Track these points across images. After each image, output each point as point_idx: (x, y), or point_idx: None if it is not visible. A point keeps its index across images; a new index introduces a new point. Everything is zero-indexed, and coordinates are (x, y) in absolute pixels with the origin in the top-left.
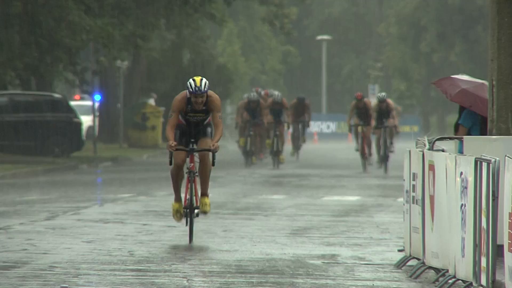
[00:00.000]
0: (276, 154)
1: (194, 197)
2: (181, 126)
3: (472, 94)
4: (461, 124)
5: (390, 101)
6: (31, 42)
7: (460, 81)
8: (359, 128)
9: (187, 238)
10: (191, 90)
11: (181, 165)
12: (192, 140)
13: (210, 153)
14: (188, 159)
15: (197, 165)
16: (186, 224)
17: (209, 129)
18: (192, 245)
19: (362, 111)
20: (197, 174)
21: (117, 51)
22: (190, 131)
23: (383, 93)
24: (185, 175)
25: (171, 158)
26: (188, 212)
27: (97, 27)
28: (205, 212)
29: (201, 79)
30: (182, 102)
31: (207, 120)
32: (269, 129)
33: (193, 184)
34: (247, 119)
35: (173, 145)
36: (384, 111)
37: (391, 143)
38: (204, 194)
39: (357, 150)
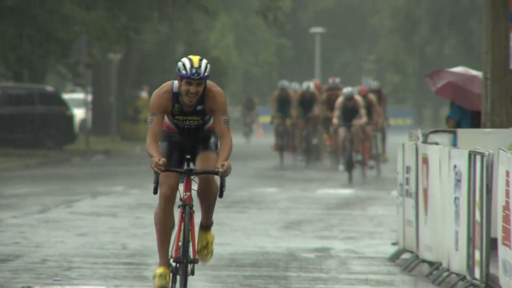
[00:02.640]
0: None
1: (190, 246)
2: (170, 135)
3: (458, 87)
4: (450, 117)
5: (358, 97)
6: (23, 34)
7: (450, 74)
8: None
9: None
10: (184, 72)
11: (170, 195)
12: (188, 156)
13: (217, 177)
14: (181, 186)
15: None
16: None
17: (212, 139)
18: None
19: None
20: (193, 210)
21: (110, 43)
22: (183, 143)
23: (350, 89)
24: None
25: (156, 183)
26: (177, 268)
27: (90, 19)
28: (205, 262)
29: (201, 59)
30: (165, 98)
31: (208, 125)
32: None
33: (190, 224)
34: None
35: (160, 163)
36: (351, 110)
37: (379, 151)
38: (207, 227)
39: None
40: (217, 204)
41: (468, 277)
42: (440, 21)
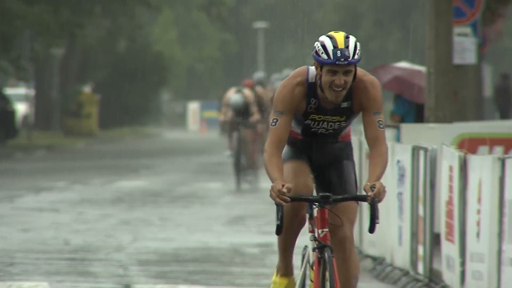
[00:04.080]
0: None
1: None
2: (294, 144)
3: (405, 81)
4: (394, 112)
5: (248, 92)
6: None
7: (395, 69)
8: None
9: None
10: (325, 57)
11: (300, 219)
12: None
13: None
14: (314, 218)
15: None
16: None
17: (348, 151)
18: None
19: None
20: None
21: (53, 38)
22: (312, 155)
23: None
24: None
25: (281, 218)
26: None
27: (32, 14)
28: None
29: (347, 36)
30: (299, 92)
31: (346, 130)
32: None
33: (333, 271)
34: None
35: (284, 190)
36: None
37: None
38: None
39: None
40: (160, 199)
41: (411, 272)
42: (384, 16)
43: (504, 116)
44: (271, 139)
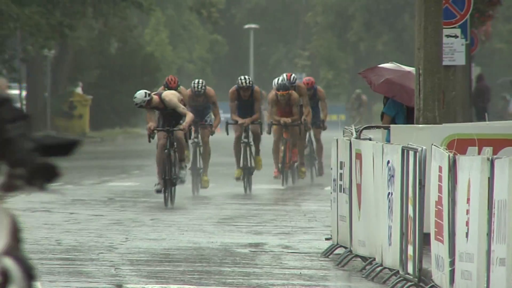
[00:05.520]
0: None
1: None
2: None
3: (397, 84)
4: (385, 112)
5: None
6: None
7: (385, 71)
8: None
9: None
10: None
11: None
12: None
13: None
14: None
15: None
16: None
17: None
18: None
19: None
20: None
21: (44, 39)
22: None
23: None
24: None
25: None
26: None
27: (24, 15)
28: None
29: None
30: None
31: None
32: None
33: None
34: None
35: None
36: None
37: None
38: None
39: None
40: (151, 200)
41: (401, 272)
42: (374, 18)
43: (479, 117)
44: None
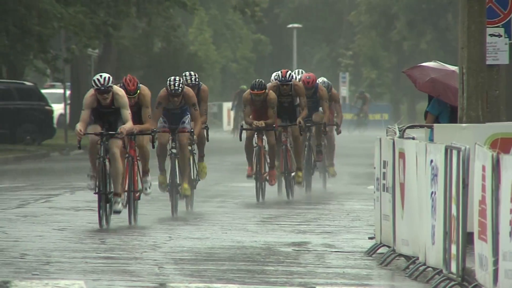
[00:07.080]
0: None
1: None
2: None
3: (441, 83)
4: (429, 111)
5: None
6: (1, 30)
7: (430, 70)
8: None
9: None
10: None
11: None
12: None
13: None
14: None
15: None
16: None
17: None
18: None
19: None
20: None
21: (88, 39)
22: None
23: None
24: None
25: None
26: None
27: (68, 15)
28: None
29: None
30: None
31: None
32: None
33: None
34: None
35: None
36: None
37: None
38: None
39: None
40: (195, 198)
41: (444, 271)
42: (417, 17)
43: None
44: None
